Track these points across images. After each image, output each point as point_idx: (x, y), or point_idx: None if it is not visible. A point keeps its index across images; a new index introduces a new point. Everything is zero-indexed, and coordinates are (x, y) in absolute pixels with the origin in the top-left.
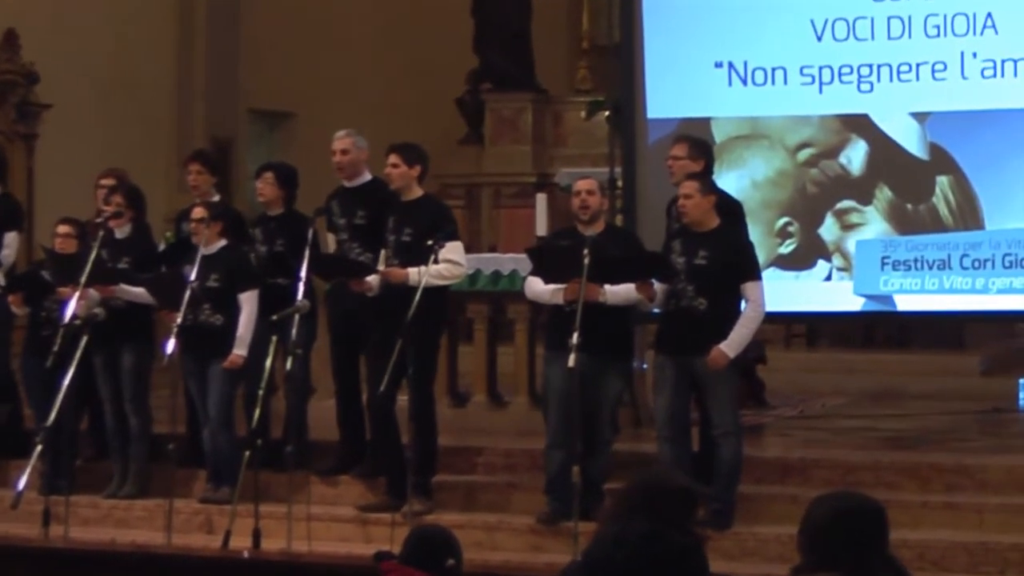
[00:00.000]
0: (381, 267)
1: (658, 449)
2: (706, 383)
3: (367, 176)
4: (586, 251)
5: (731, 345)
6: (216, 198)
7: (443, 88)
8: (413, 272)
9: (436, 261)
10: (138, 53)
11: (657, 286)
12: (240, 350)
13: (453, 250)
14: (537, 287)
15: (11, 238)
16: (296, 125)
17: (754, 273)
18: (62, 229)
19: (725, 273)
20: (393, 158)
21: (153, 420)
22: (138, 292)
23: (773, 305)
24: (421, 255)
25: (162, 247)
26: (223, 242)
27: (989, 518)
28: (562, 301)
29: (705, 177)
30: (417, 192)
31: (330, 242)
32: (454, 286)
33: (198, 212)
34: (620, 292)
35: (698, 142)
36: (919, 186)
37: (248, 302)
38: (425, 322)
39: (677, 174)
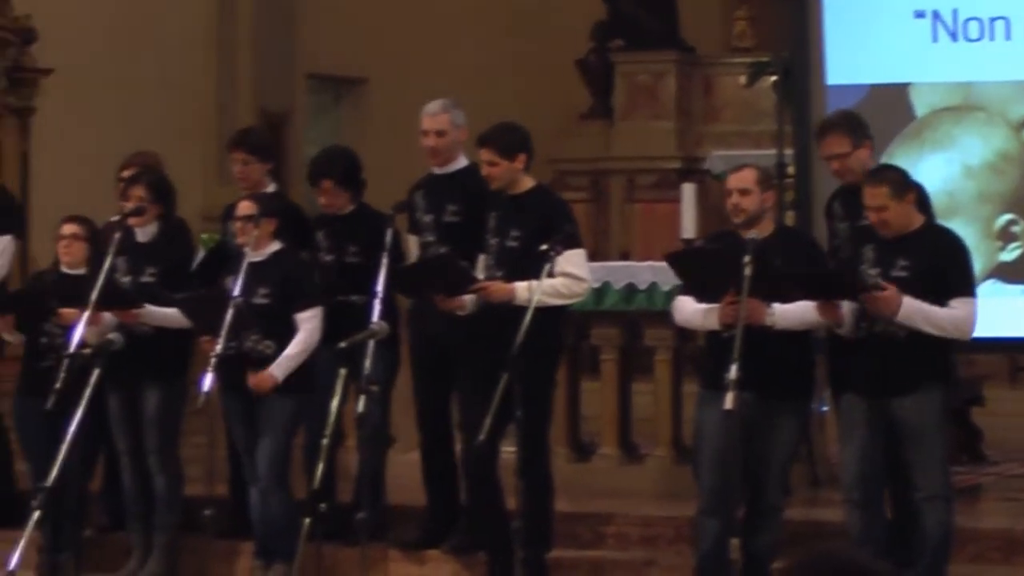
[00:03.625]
0: (480, 279)
1: (845, 517)
2: (909, 432)
3: (462, 161)
4: (747, 258)
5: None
6: (271, 188)
7: (560, 47)
8: (521, 288)
9: (551, 273)
10: (166, 4)
11: (845, 306)
12: (277, 371)
13: (573, 260)
14: (687, 308)
15: (3, 244)
16: (367, 94)
17: (966, 286)
18: (67, 229)
19: (930, 286)
20: (486, 154)
21: (185, 478)
22: (168, 315)
23: (991, 328)
24: (532, 265)
25: (200, 255)
26: (277, 246)
27: None
28: (717, 325)
29: (891, 172)
30: (526, 184)
31: (411, 246)
32: (575, 305)
33: (245, 207)
34: (794, 313)
35: (852, 119)
36: None
37: (308, 324)
38: (537, 352)
39: (854, 170)
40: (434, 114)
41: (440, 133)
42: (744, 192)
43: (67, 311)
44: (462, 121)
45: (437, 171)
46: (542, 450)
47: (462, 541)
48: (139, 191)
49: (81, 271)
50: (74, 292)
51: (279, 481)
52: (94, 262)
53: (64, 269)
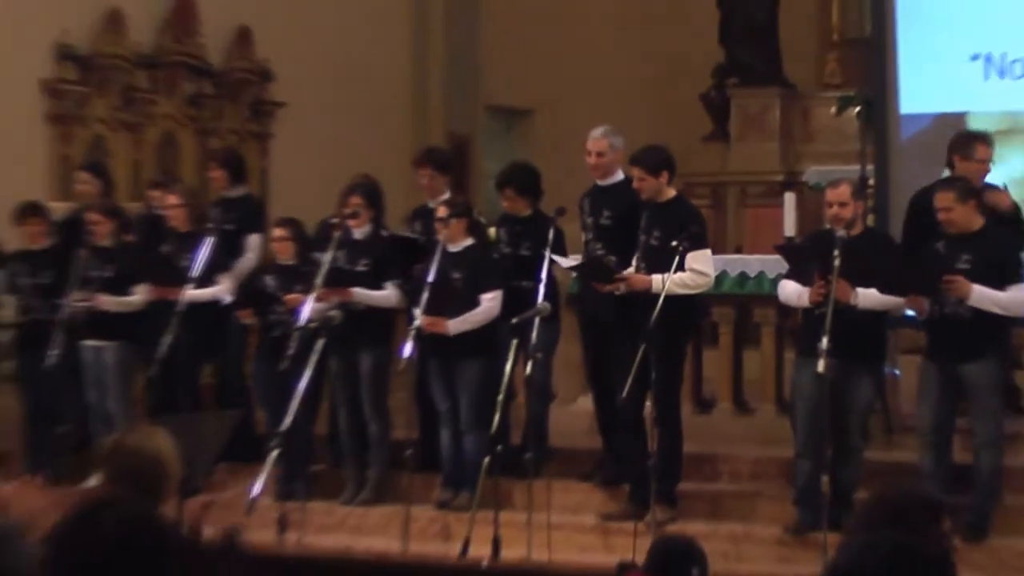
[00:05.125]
0: (631, 270)
1: (919, 456)
2: (971, 392)
3: (620, 175)
4: (836, 252)
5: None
6: (446, 195)
7: (689, 83)
8: (656, 280)
9: (682, 266)
10: (373, 49)
11: None
12: (452, 325)
13: (699, 259)
14: (788, 289)
15: (254, 241)
16: (534, 122)
17: (1018, 275)
18: (278, 232)
19: (988, 277)
20: (637, 172)
21: (392, 425)
22: (376, 296)
23: None
24: (667, 260)
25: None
26: (470, 240)
27: None
28: (808, 303)
29: (959, 182)
30: (669, 194)
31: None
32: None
33: (442, 211)
34: (875, 296)
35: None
36: None
37: (489, 303)
38: (670, 330)
39: (981, 178)
40: (596, 138)
41: (600, 154)
42: (843, 204)
43: (291, 297)
44: (620, 144)
45: (600, 183)
46: (674, 405)
47: (610, 474)
48: (356, 198)
49: (291, 263)
50: (289, 280)
51: (478, 424)
52: (302, 255)
53: (279, 263)
